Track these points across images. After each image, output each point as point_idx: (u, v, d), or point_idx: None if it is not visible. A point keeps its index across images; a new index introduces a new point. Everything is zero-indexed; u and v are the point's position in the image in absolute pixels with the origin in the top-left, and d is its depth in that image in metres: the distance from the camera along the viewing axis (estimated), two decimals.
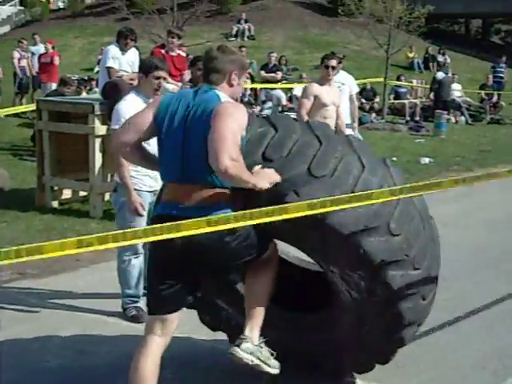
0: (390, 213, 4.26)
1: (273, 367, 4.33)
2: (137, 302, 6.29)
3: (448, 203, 11.32)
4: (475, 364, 5.29)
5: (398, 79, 23.81)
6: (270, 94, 19.61)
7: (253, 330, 4.27)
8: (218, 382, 5.02)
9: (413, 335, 4.75)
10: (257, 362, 4.23)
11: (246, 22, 31.85)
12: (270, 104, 18.89)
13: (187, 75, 10.70)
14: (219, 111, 3.94)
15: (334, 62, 9.14)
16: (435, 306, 6.39)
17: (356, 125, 11.69)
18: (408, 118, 22.39)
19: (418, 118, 22.50)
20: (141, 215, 5.93)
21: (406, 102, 23.08)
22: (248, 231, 4.04)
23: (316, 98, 9.03)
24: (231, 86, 4.22)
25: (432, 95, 22.97)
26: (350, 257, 4.24)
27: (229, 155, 3.78)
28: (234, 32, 31.44)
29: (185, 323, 4.48)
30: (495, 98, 25.33)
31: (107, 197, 10.40)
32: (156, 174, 5.11)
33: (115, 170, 6.21)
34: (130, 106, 5.89)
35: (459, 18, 48.87)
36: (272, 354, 4.33)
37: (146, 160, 4.35)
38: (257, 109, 19.00)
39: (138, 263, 6.23)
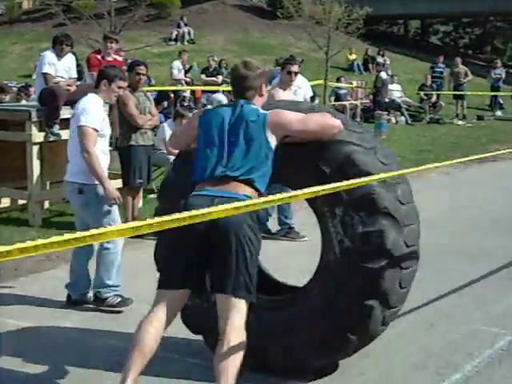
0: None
1: None
2: (116, 290, 6.56)
3: None
4: (417, 362, 5.31)
5: (338, 81, 23.94)
6: (210, 97, 19.55)
7: None
8: None
9: (380, 316, 4.77)
10: None
11: (185, 25, 31.72)
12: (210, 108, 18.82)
13: None
14: (276, 116, 4.67)
15: (296, 68, 9.33)
16: None
17: None
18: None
19: (358, 119, 22.63)
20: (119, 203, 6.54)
21: (346, 103, 23.20)
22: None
23: None
24: (261, 96, 4.83)
25: (370, 96, 23.16)
26: (358, 199, 4.63)
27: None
28: (173, 36, 31.30)
29: None
30: (434, 98, 25.62)
31: (46, 205, 10.25)
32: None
33: (91, 171, 6.38)
34: (96, 104, 6.57)
35: (398, 19, 49.39)
36: None
37: None
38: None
39: (118, 254, 6.55)
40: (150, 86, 18.80)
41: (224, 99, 18.93)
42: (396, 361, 5.35)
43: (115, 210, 6.57)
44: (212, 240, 4.29)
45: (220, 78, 21.42)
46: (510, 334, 5.85)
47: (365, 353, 5.43)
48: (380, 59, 31.20)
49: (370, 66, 31.05)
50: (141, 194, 9.76)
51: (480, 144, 18.56)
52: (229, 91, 19.68)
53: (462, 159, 7.30)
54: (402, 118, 23.67)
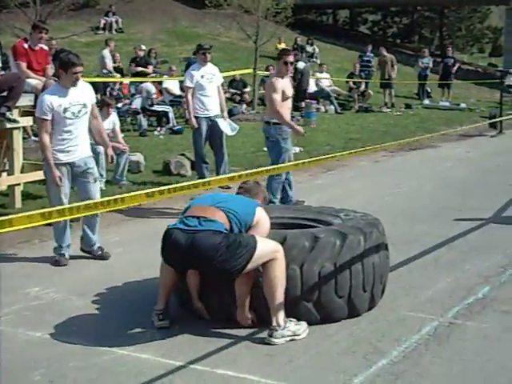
0: None
1: (302, 333, 5.53)
2: (61, 250, 7.79)
3: (316, 192, 11.52)
4: (346, 349, 5.34)
5: (268, 70, 23.93)
6: (139, 87, 19.39)
7: (278, 318, 5.43)
8: None
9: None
10: (288, 339, 5.42)
11: (113, 14, 31.43)
12: (139, 97, 18.66)
13: (50, 70, 10.49)
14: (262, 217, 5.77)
15: (291, 58, 9.93)
16: None
17: (226, 114, 11.80)
18: None
19: None
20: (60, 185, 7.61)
21: None
22: (237, 244, 5.33)
23: (283, 92, 9.76)
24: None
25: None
26: None
27: None
28: (101, 25, 30.97)
29: None
30: (363, 87, 25.85)
31: None
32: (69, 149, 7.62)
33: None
34: (52, 96, 7.47)
35: (327, 8, 49.69)
36: (298, 323, 5.55)
37: None
38: (126, 102, 18.75)
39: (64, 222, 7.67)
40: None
41: (153, 88, 18.79)
42: (325, 347, 5.37)
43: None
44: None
45: (150, 68, 21.24)
46: (437, 319, 5.93)
47: (294, 340, 5.47)
48: (309, 48, 31.41)
49: (300, 55, 31.11)
50: None
51: (408, 132, 18.77)
52: (159, 82, 19.58)
53: (410, 139, 7.36)
54: (332, 107, 23.82)
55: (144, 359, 5.18)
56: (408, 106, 26.04)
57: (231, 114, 17.63)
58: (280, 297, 5.43)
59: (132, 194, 4.66)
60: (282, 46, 30.71)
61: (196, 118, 11.38)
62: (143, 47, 22.44)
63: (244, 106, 22.16)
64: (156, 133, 17.82)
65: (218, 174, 11.32)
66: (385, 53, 26.20)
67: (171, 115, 18.50)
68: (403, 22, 56.93)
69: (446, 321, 5.90)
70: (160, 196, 4.86)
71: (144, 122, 17.85)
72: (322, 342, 5.45)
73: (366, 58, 27.60)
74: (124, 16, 32.00)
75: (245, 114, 21.11)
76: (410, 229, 9.02)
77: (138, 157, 13.04)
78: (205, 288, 5.81)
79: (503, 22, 43.99)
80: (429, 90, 28.77)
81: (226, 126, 11.63)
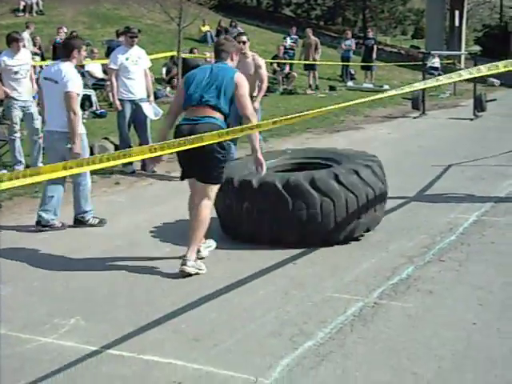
0: None
1: (203, 269, 6.70)
2: (92, 214, 8.65)
3: None
4: (272, 331, 5.35)
5: (191, 52, 23.81)
6: None
7: (192, 252, 6.67)
8: None
9: None
10: (196, 271, 6.61)
11: None
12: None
13: None
14: (240, 79, 6.89)
15: (244, 38, 11.19)
16: (229, 275, 6.49)
17: (152, 98, 11.72)
18: None
19: None
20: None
21: None
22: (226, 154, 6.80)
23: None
24: (232, 60, 7.17)
25: None
26: None
27: (251, 107, 6.96)
28: (21, 7, 30.34)
29: None
30: (287, 69, 25.89)
31: None
32: None
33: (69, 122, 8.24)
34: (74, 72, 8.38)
35: None
36: (201, 261, 6.84)
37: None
38: None
39: (89, 187, 8.66)
40: None
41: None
42: (252, 329, 5.37)
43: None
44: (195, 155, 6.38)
45: None
46: (362, 300, 5.98)
47: (220, 323, 5.47)
48: (233, 30, 31.28)
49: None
50: None
51: (333, 114, 18.89)
52: (81, 65, 19.28)
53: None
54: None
55: (68, 347, 5.11)
56: (332, 88, 26.20)
57: (155, 97, 17.49)
58: (199, 238, 6.83)
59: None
60: (206, 28, 30.68)
61: (120, 100, 11.26)
62: (65, 29, 22.08)
63: (168, 89, 22.00)
64: None
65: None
66: (310, 35, 26.28)
67: (94, 99, 18.29)
68: (326, 5, 57.20)
69: (370, 301, 5.95)
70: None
71: None
72: (247, 325, 5.45)
73: (290, 41, 27.65)
74: None
75: (169, 97, 20.95)
76: None
77: None
78: None
79: (425, 5, 44.61)
80: (352, 72, 29.00)
81: (150, 110, 11.54)
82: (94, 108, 18.06)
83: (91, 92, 18.39)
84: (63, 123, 8.28)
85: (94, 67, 19.43)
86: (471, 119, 19.66)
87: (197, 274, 6.60)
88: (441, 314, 5.70)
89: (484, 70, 7.48)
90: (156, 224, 8.54)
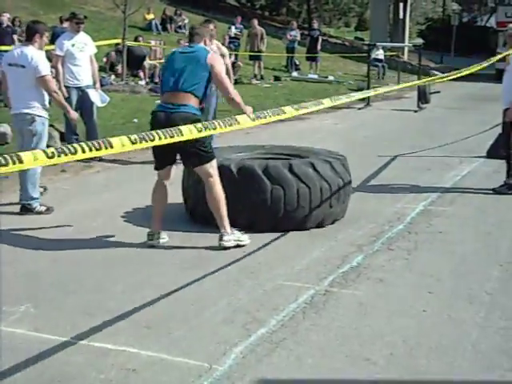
0: None
1: (244, 240, 7.11)
2: (39, 201, 8.56)
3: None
4: (225, 318, 5.34)
5: (136, 40, 23.62)
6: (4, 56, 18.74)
7: (224, 226, 7.00)
8: None
9: None
10: (235, 243, 7.01)
11: None
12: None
13: None
14: (214, 58, 7.09)
15: (211, 25, 10.87)
16: (181, 263, 6.47)
17: (98, 85, 11.61)
18: (148, 80, 22.32)
19: (157, 80, 22.48)
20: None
21: (145, 63, 22.95)
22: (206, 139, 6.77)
23: None
24: (205, 44, 7.29)
25: None
26: None
27: (231, 86, 7.27)
28: None
29: None
30: (233, 59, 25.83)
31: None
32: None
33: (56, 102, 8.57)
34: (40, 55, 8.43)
35: None
36: (241, 232, 7.16)
37: None
38: None
39: (39, 173, 8.55)
40: None
41: None
42: (205, 317, 5.36)
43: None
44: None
45: (15, 37, 20.58)
46: (313, 288, 6.01)
47: (173, 312, 5.45)
48: (178, 19, 31.18)
49: (169, 26, 30.93)
50: None
51: (278, 104, 18.89)
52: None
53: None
54: None
55: (19, 334, 5.04)
56: (277, 78, 26.24)
57: (101, 84, 17.30)
58: (223, 214, 7.00)
59: None
60: (151, 16, 30.46)
61: (66, 87, 11.13)
62: (8, 15, 21.70)
63: (113, 76, 21.81)
64: None
65: None
66: (256, 25, 26.26)
67: None
68: None
69: (322, 289, 5.99)
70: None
71: None
72: (200, 314, 5.44)
73: (234, 30, 27.59)
74: None
75: (113, 84, 20.77)
76: None
77: (5, 128, 12.61)
78: None
79: None
80: (297, 63, 29.08)
81: (97, 97, 11.43)
82: None
83: None
84: (28, 104, 8.35)
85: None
86: (415, 111, 19.90)
87: (237, 245, 7.03)
88: (391, 301, 5.76)
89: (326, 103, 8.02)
90: (103, 211, 8.48)
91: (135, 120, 15.45)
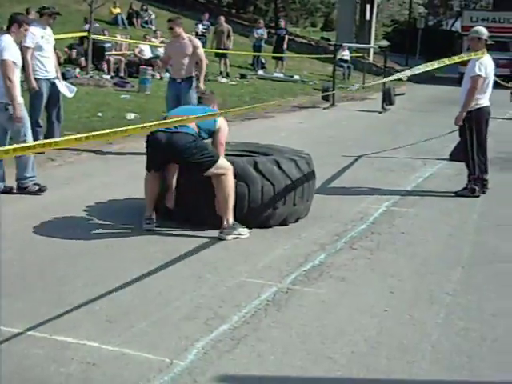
0: None
1: (244, 234, 7.33)
2: (34, 180, 8.91)
3: None
4: (187, 314, 5.33)
5: (102, 34, 23.46)
6: None
7: (227, 219, 7.20)
8: None
9: None
10: (234, 237, 7.23)
11: None
12: None
13: None
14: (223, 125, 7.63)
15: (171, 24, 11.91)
16: (144, 258, 6.45)
17: (60, 76, 11.54)
18: (113, 74, 22.21)
19: (122, 74, 22.39)
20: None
21: (110, 58, 22.83)
22: (205, 147, 7.18)
23: None
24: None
25: (138, 51, 22.98)
26: None
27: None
28: None
29: None
30: None
31: None
32: None
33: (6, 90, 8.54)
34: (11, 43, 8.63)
35: None
36: (242, 227, 7.33)
37: None
38: None
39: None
40: None
41: None
42: (167, 312, 5.34)
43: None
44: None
45: None
46: (275, 285, 6.01)
47: (134, 306, 5.42)
48: (144, 14, 31.05)
49: (135, 20, 30.80)
50: None
51: (243, 102, 18.92)
52: None
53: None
54: (167, 74, 23.58)
55: None
56: (243, 76, 26.24)
57: (64, 77, 17.19)
58: (230, 207, 7.19)
59: None
60: (117, 10, 30.31)
61: (36, 80, 11.01)
62: None
63: (77, 69, 21.65)
64: None
65: (51, 137, 11.03)
66: (223, 22, 26.23)
67: None
68: None
69: (284, 287, 6.00)
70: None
71: None
72: (162, 309, 5.41)
73: (202, 27, 27.53)
74: None
75: (78, 78, 20.62)
76: None
77: None
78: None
79: None
80: (263, 61, 29.10)
81: (65, 88, 11.36)
82: None
83: None
84: (1, 93, 8.60)
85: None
86: (380, 112, 20.00)
87: (237, 238, 7.25)
88: (354, 300, 5.78)
89: None
90: (65, 205, 8.41)
91: (99, 114, 15.36)
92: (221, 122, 7.50)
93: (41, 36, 11.07)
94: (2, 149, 4.55)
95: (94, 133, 5.23)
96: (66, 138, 5.42)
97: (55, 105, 11.39)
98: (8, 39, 8.66)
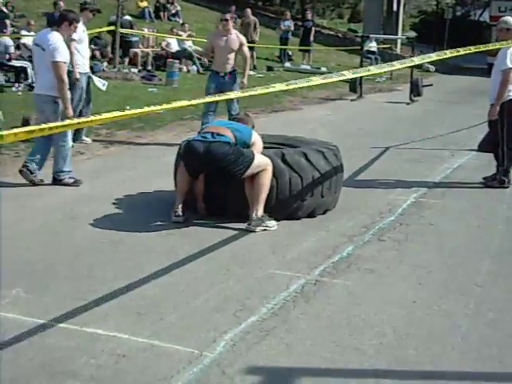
0: None
1: (272, 226, 7.36)
2: (70, 174, 9.09)
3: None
4: (216, 306, 5.35)
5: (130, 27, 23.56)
6: None
7: (257, 210, 7.25)
8: None
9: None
10: (262, 228, 7.27)
11: None
12: None
13: None
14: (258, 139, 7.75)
15: (228, 16, 12.31)
16: (172, 251, 6.48)
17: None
18: (140, 67, 22.29)
19: (150, 68, 22.46)
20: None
21: (137, 50, 22.91)
22: (241, 152, 7.25)
23: None
24: None
25: (164, 44, 23.01)
26: None
27: None
28: None
29: None
30: None
31: None
32: None
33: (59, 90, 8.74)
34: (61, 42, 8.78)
35: None
36: (270, 219, 7.37)
37: None
38: None
39: (69, 148, 9.14)
40: None
41: (11, 43, 18.21)
42: (196, 304, 5.37)
43: None
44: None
45: (7, 22, 20.51)
46: (304, 277, 6.02)
47: (163, 298, 5.45)
48: (171, 7, 31.09)
49: (162, 13, 30.84)
50: None
51: (272, 95, 18.88)
52: (18, 38, 18.90)
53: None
54: (194, 67, 23.69)
55: (10, 318, 5.02)
56: (270, 69, 26.21)
57: (93, 71, 17.29)
58: (262, 200, 7.27)
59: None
60: (144, 4, 30.37)
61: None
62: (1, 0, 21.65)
63: (105, 63, 21.75)
64: (14, 89, 17.28)
65: (81, 130, 11.20)
66: (249, 15, 26.22)
67: (30, 71, 17.94)
68: None
69: (312, 278, 6.01)
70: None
71: (1, 77, 17.27)
72: (191, 301, 5.44)
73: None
74: None
75: (106, 71, 20.72)
76: None
77: None
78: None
79: None
80: (290, 53, 29.06)
81: (99, 82, 11.47)
82: (30, 81, 17.73)
83: (27, 64, 18.05)
84: (48, 87, 8.78)
85: (31, 39, 19.05)
86: (408, 103, 19.90)
87: (265, 230, 7.28)
88: (382, 291, 5.78)
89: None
90: (96, 197, 8.46)
91: (127, 107, 15.39)
92: (255, 137, 7.64)
93: (83, 30, 11.16)
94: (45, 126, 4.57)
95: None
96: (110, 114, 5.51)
97: (89, 97, 11.50)
98: (57, 38, 8.75)
